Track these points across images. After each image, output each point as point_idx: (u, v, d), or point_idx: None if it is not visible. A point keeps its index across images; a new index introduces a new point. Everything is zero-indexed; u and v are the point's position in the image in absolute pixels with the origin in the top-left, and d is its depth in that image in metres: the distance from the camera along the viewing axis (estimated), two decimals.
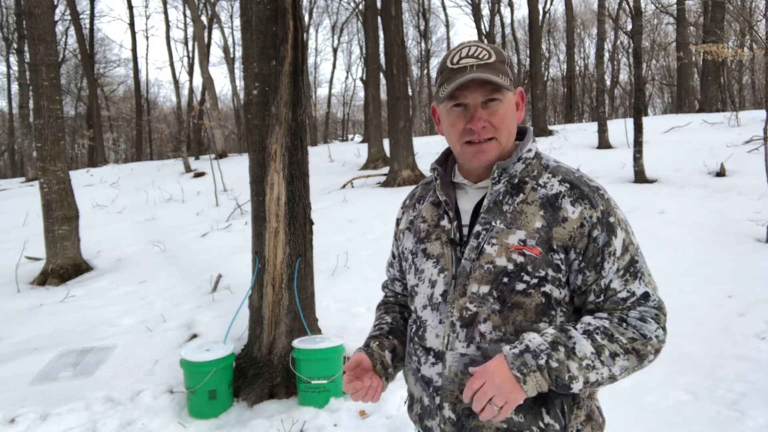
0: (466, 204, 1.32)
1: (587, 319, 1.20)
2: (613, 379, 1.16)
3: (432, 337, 1.28)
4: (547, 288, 1.20)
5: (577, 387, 1.13)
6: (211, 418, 3.61)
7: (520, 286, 1.19)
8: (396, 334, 1.46)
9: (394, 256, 1.55)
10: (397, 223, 1.50)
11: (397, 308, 1.53)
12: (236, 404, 3.79)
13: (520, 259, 1.20)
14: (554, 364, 1.11)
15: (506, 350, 1.14)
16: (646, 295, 1.21)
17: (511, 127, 1.28)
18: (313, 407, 3.63)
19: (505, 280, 1.20)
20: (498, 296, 1.21)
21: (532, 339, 1.14)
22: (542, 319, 1.21)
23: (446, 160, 1.40)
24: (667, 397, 3.37)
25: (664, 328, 1.20)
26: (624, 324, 1.18)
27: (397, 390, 3.63)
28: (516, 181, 1.28)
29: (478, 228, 1.25)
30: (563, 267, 1.21)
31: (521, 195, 1.25)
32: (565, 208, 1.21)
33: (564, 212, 1.21)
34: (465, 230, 1.29)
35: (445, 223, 1.32)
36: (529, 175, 1.28)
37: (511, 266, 1.20)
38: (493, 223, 1.24)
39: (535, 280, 1.19)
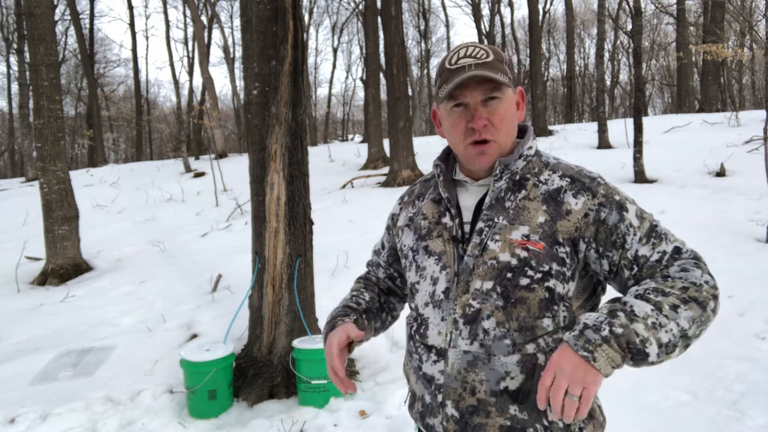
0: (467, 201, 1.32)
1: (632, 289, 1.17)
2: (685, 337, 1.09)
3: (434, 334, 1.28)
4: (551, 283, 1.20)
5: (653, 352, 1.06)
6: (211, 418, 3.61)
7: (524, 281, 1.19)
8: (369, 314, 1.49)
9: (383, 247, 1.56)
10: (393, 218, 1.50)
11: (376, 289, 1.57)
12: (236, 404, 3.79)
13: (523, 254, 1.20)
14: (618, 330, 1.06)
15: (566, 336, 1.09)
16: (677, 250, 1.19)
17: (511, 126, 1.28)
18: (313, 407, 3.63)
19: (509, 275, 1.20)
20: (502, 292, 1.20)
21: (588, 316, 1.11)
22: (546, 315, 1.21)
23: (447, 158, 1.40)
24: (667, 397, 3.37)
25: (710, 274, 1.16)
26: (669, 279, 1.15)
27: (397, 390, 3.63)
28: (517, 177, 1.28)
29: (480, 224, 1.25)
30: (568, 261, 1.21)
31: (523, 191, 1.26)
32: (568, 201, 1.22)
33: (567, 205, 1.22)
34: (466, 227, 1.29)
35: (446, 220, 1.32)
36: (530, 172, 1.29)
37: (514, 261, 1.20)
38: (496, 220, 1.24)
39: (538, 275, 1.19)
